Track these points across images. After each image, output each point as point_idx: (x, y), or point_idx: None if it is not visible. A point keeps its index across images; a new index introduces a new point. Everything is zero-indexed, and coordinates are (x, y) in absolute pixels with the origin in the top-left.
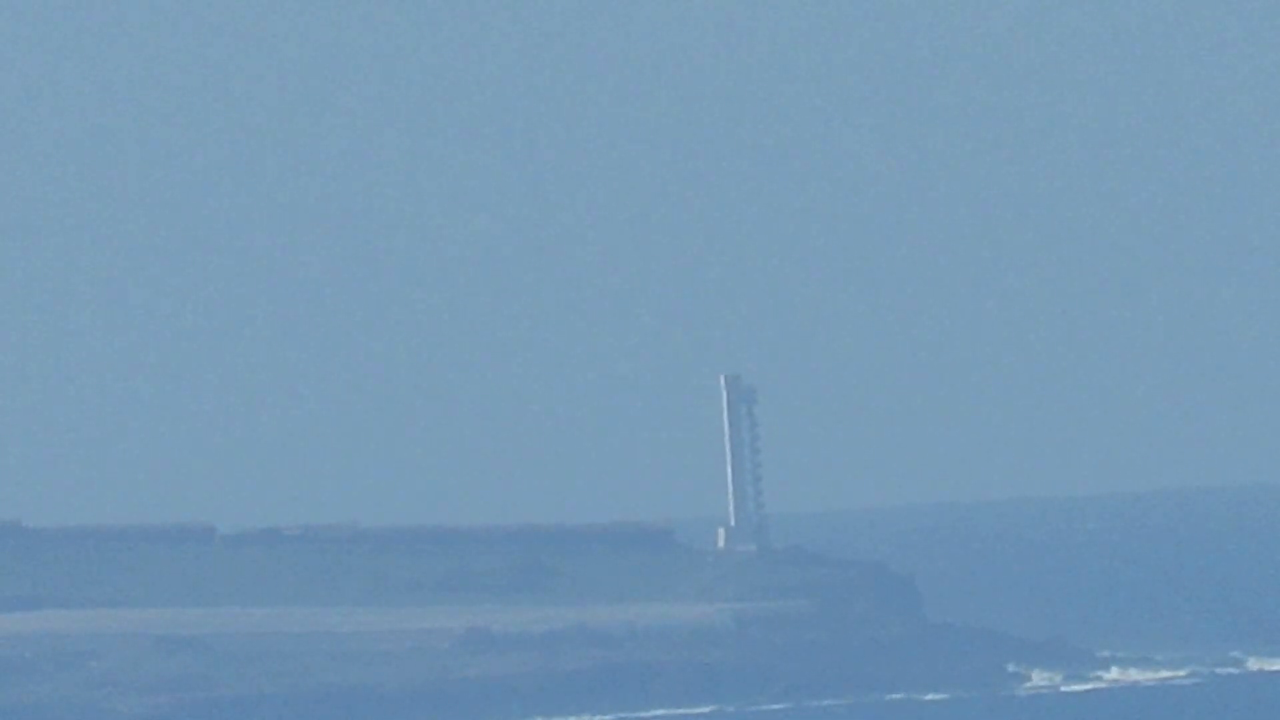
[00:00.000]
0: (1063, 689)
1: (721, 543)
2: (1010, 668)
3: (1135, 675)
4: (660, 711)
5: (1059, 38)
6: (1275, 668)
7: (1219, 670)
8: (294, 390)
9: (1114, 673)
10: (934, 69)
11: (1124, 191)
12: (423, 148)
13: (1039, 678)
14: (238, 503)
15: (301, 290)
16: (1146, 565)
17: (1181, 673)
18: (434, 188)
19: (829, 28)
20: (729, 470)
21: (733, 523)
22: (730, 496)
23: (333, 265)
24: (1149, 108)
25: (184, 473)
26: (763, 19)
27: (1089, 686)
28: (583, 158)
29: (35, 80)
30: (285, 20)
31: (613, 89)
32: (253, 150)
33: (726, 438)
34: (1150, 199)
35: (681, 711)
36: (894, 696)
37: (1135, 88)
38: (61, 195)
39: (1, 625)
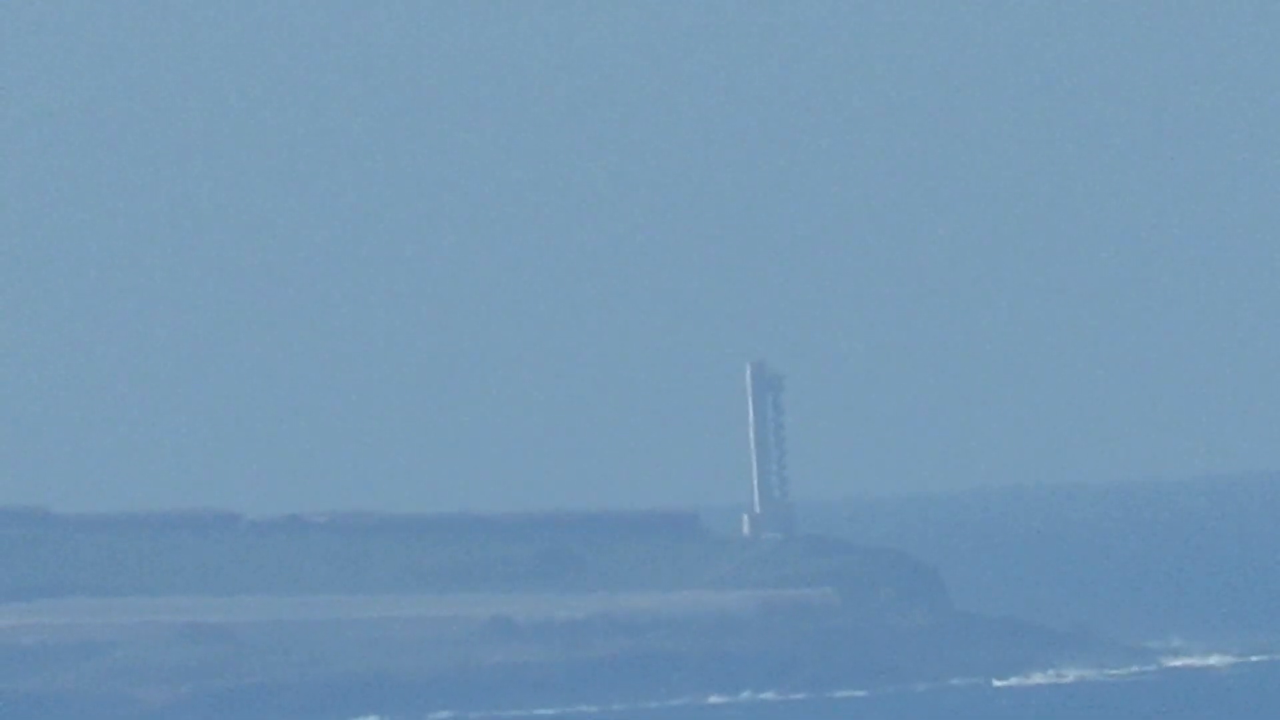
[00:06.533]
0: (1090, 679)
1: (747, 530)
2: (1036, 657)
3: (1163, 664)
4: (684, 699)
5: (1079, 30)
6: None
7: (1251, 658)
8: (319, 376)
9: (1141, 662)
10: (952, 62)
11: (1138, 185)
12: (444, 127)
13: (1065, 667)
14: (263, 490)
15: (328, 275)
16: (1175, 553)
17: (1211, 660)
18: (457, 171)
19: (851, 14)
20: (754, 457)
21: (758, 510)
22: (755, 483)
23: (357, 249)
24: (1151, 103)
25: (209, 460)
26: (786, 5)
27: (1117, 676)
28: (609, 143)
29: (34, 78)
30: (284, 19)
31: (638, 74)
32: (275, 138)
33: (752, 425)
34: (1162, 188)
35: (705, 699)
36: (918, 685)
37: (1137, 84)
38: (84, 183)
39: (26, 613)
